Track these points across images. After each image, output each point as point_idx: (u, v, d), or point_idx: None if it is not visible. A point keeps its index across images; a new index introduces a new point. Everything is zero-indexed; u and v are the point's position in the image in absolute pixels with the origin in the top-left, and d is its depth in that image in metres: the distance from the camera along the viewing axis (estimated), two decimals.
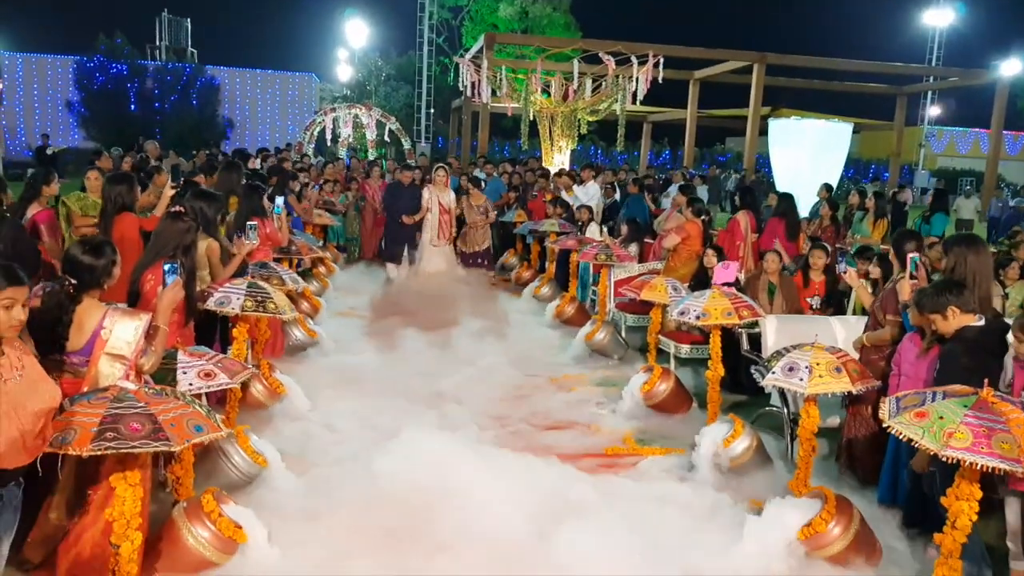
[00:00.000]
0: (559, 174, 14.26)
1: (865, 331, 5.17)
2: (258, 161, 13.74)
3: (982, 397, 3.25)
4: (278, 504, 4.13)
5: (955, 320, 3.91)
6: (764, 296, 6.69)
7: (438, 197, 10.81)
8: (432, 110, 31.56)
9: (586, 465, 5.02)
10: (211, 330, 5.53)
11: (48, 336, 3.14)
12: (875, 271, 6.44)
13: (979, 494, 3.29)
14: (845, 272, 5.39)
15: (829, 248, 7.35)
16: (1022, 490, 3.56)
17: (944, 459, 3.10)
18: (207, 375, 3.99)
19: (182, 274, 3.95)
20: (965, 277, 4.25)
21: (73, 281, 3.39)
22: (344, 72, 35.79)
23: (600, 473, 4.92)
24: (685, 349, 7.03)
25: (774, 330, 5.79)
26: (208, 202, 5.45)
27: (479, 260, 11.72)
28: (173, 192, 6.44)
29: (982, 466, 3.04)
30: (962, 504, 3.31)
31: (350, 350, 7.36)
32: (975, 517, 3.33)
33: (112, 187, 5.93)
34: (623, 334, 7.97)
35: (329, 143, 22.61)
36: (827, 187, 11.74)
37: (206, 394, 4.25)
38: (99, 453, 2.72)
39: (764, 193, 12.77)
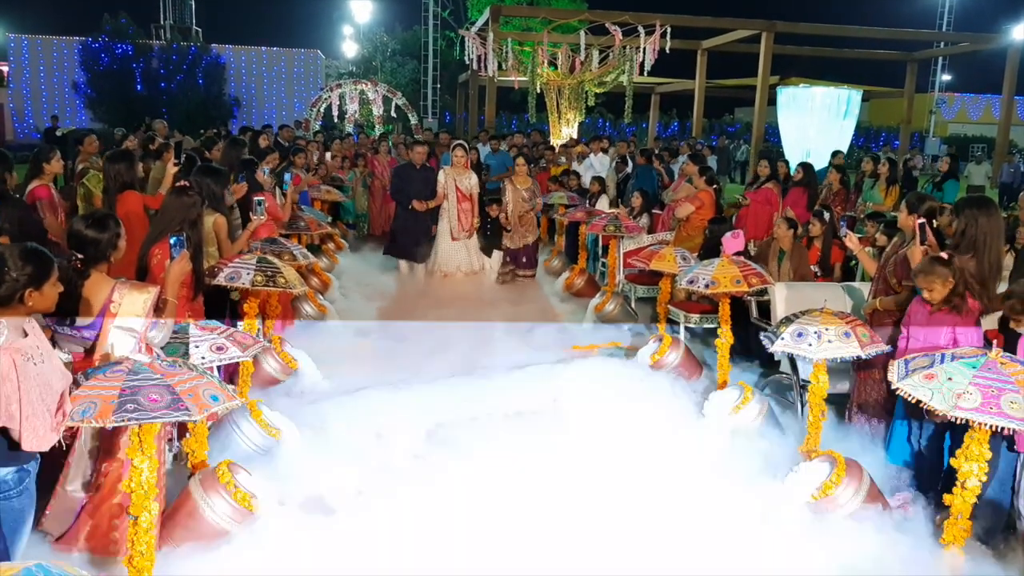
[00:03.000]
0: (567, 145, 14.18)
1: (869, 296, 5.16)
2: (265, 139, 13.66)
3: (991, 358, 3.25)
4: (292, 476, 4.19)
5: None
6: (774, 263, 6.68)
7: (455, 181, 9.01)
8: (438, 85, 31.42)
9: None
10: (221, 306, 5.56)
11: (57, 311, 3.17)
12: (881, 238, 6.42)
13: (988, 455, 3.31)
14: (846, 236, 5.36)
15: (826, 216, 7.33)
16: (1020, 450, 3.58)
17: (953, 419, 3.12)
18: (219, 348, 4.02)
19: (189, 247, 3.97)
20: (976, 239, 4.23)
21: (80, 256, 3.42)
22: (349, 48, 35.66)
23: None
24: (695, 318, 7.04)
25: (783, 297, 5.79)
26: (214, 178, 5.46)
27: (524, 261, 9.56)
28: (176, 169, 6.45)
29: (991, 426, 3.05)
30: (972, 465, 3.33)
31: (361, 324, 7.39)
32: (984, 478, 3.35)
33: (112, 165, 5.93)
34: (633, 305, 7.98)
35: (336, 119, 22.57)
36: (836, 154, 11.68)
37: (218, 369, 4.29)
38: (123, 424, 2.76)
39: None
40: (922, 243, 4.52)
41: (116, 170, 5.90)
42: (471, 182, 9.11)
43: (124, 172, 5.91)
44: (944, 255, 4.17)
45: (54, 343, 3.15)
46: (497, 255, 9.36)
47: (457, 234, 9.05)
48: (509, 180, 9.55)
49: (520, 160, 9.64)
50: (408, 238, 9.18)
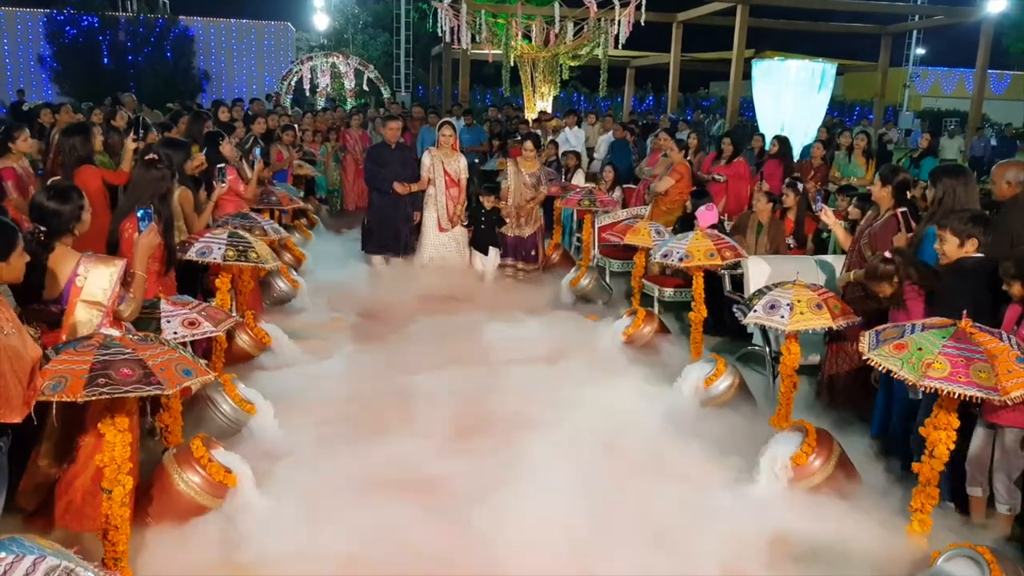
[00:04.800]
0: (540, 119, 14.14)
1: (843, 269, 5.21)
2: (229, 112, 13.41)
3: (960, 328, 3.30)
4: (266, 450, 4.19)
5: (968, 248, 3.93)
6: (752, 235, 6.72)
7: (443, 164, 7.95)
8: (411, 58, 31.03)
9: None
10: (192, 282, 5.51)
11: (23, 285, 3.14)
12: (854, 212, 6.48)
13: (957, 423, 3.36)
14: (821, 210, 5.40)
15: (801, 187, 7.35)
16: (990, 421, 3.63)
17: (923, 389, 3.16)
18: (191, 323, 3.99)
19: (158, 221, 3.92)
20: (952, 209, 4.28)
21: (43, 228, 3.37)
22: (320, 21, 35.10)
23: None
24: (668, 292, 7.08)
25: (756, 271, 5.83)
26: (173, 149, 5.39)
27: (526, 254, 8.29)
28: (135, 145, 6.36)
29: (959, 395, 3.10)
30: (940, 434, 3.39)
31: (337, 299, 7.35)
32: (952, 446, 3.41)
33: (66, 139, 5.81)
34: (607, 279, 8.00)
35: (308, 93, 22.32)
36: (826, 128, 11.84)
37: (191, 345, 4.26)
38: (94, 399, 2.73)
39: (748, 137, 12.73)
40: (908, 231, 4.57)
41: (71, 144, 5.76)
42: (460, 165, 8.07)
43: (79, 146, 5.77)
44: (887, 254, 4.27)
45: (22, 318, 3.10)
46: (494, 252, 8.22)
47: (445, 224, 7.99)
48: (512, 161, 8.41)
49: (528, 144, 8.35)
50: (387, 229, 8.02)
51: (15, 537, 2.03)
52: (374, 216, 8.09)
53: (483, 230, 8.21)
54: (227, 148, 6.72)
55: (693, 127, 18.62)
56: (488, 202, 8.16)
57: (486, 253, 8.17)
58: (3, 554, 1.93)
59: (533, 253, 8.33)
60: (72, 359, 2.83)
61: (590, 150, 13.17)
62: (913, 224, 4.62)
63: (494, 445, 4.38)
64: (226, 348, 5.13)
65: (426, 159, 8.00)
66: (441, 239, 8.00)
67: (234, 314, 4.95)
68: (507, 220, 8.19)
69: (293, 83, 22.08)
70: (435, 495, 3.88)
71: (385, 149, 8.04)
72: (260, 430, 4.35)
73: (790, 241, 6.97)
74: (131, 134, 6.50)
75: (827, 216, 5.37)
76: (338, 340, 6.25)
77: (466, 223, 8.23)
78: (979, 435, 3.71)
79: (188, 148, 5.66)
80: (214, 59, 35.08)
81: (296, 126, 12.04)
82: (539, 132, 12.93)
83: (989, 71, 22.91)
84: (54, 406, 2.81)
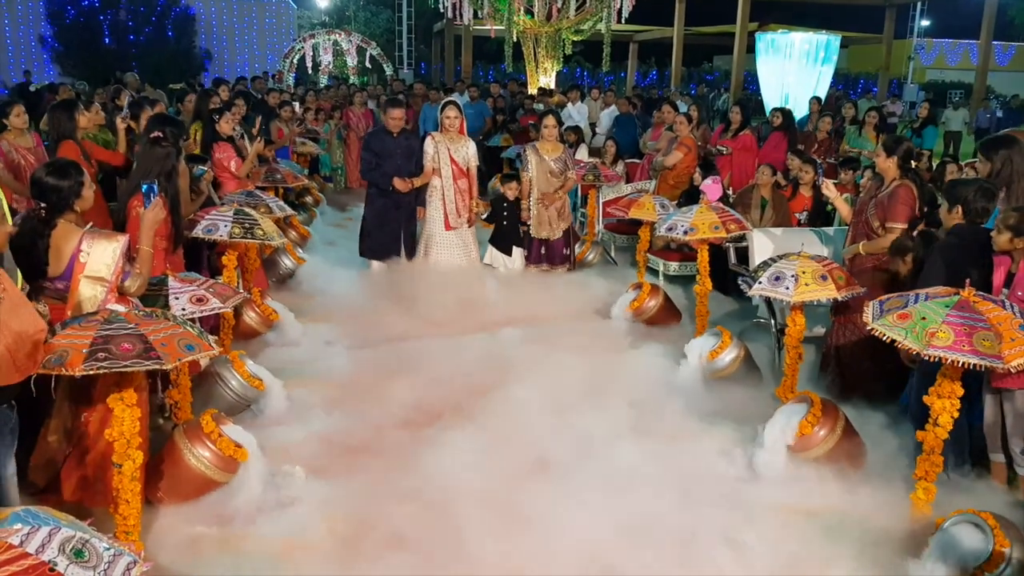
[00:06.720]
0: (544, 93, 14.09)
1: (846, 241, 5.20)
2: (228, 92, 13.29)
3: (964, 297, 3.30)
4: (276, 426, 4.22)
5: (954, 216, 4.05)
6: (756, 210, 6.69)
7: (449, 150, 6.87)
8: (413, 35, 30.86)
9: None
10: (198, 261, 5.52)
11: (28, 263, 3.14)
12: (867, 184, 6.45)
13: (961, 392, 3.37)
14: (823, 183, 5.39)
15: (818, 162, 7.30)
16: (997, 387, 3.64)
17: (926, 358, 3.17)
18: (199, 300, 4.01)
19: (163, 197, 3.92)
20: (1011, 179, 4.29)
21: (44, 205, 3.38)
22: None
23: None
24: (673, 266, 7.09)
25: (761, 243, 5.83)
26: (170, 127, 5.39)
27: (556, 255, 7.24)
28: (124, 126, 6.35)
29: (963, 363, 3.11)
30: (944, 402, 3.40)
31: (341, 276, 7.35)
32: (956, 414, 3.42)
33: (52, 115, 5.82)
34: (612, 254, 8.00)
35: (310, 71, 22.24)
36: (817, 100, 11.67)
37: (199, 322, 4.28)
38: (91, 373, 2.74)
39: (752, 110, 12.67)
40: (920, 204, 4.60)
41: (55, 120, 5.76)
42: (468, 151, 6.92)
43: (63, 122, 5.73)
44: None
45: (32, 296, 3.13)
46: (519, 253, 7.24)
47: (454, 222, 6.88)
48: (532, 148, 7.17)
49: (550, 119, 7.16)
50: (386, 232, 6.94)
51: (30, 508, 2.06)
52: (373, 215, 6.99)
53: (506, 227, 7.23)
54: (225, 125, 6.70)
55: (694, 100, 18.52)
56: (511, 191, 7.19)
57: (509, 253, 7.24)
58: (19, 525, 1.95)
59: (565, 252, 7.28)
60: (75, 334, 2.85)
61: (593, 125, 13.12)
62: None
63: (496, 413, 4.42)
64: (233, 325, 5.16)
65: (429, 147, 6.85)
66: (448, 237, 6.93)
67: (241, 291, 4.97)
68: (529, 222, 7.10)
69: (295, 61, 21.98)
70: (438, 464, 3.91)
71: (387, 137, 6.89)
72: (269, 406, 4.39)
73: (802, 217, 6.91)
74: (121, 114, 6.50)
75: (828, 189, 5.36)
76: (340, 317, 6.27)
77: (485, 217, 7.35)
78: (988, 403, 3.73)
79: (181, 124, 5.68)
80: (215, 38, 34.91)
81: (295, 103, 12.01)
82: (541, 105, 12.90)
83: (994, 42, 22.69)
84: (53, 379, 2.83)
